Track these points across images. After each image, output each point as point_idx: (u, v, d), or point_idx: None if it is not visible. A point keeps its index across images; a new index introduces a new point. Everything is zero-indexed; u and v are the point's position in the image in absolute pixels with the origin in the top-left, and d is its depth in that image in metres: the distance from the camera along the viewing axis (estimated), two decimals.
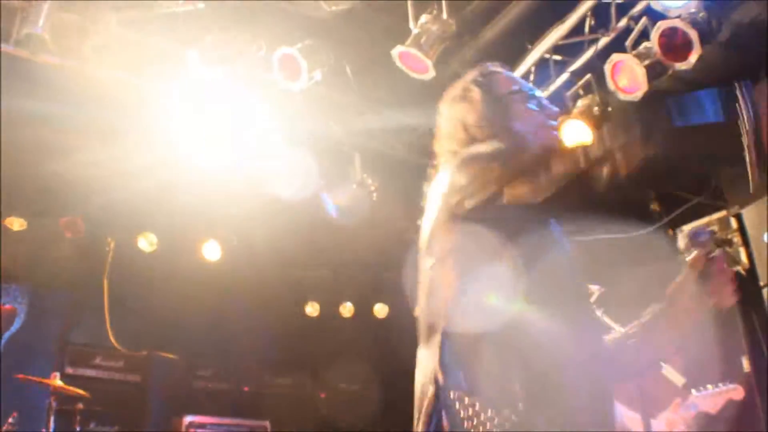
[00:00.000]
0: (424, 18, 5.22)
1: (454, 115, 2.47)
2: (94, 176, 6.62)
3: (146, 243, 7.32)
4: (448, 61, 5.60)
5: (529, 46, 5.65)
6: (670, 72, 4.90)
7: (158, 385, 7.20)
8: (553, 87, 5.66)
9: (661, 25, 4.72)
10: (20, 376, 5.73)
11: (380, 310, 8.51)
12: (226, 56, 5.31)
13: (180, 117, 5.91)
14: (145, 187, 6.83)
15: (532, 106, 2.40)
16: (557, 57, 5.61)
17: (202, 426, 6.78)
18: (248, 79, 5.92)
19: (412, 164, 6.74)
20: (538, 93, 2.46)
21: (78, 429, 5.58)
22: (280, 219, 7.48)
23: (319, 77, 5.56)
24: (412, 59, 5.30)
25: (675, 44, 4.67)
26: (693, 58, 4.63)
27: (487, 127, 2.33)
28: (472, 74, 2.55)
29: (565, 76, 5.58)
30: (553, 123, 2.37)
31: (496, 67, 2.54)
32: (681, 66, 4.72)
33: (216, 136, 6.02)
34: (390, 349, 8.19)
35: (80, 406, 5.73)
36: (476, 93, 2.43)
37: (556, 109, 2.42)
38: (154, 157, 6.19)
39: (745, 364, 5.60)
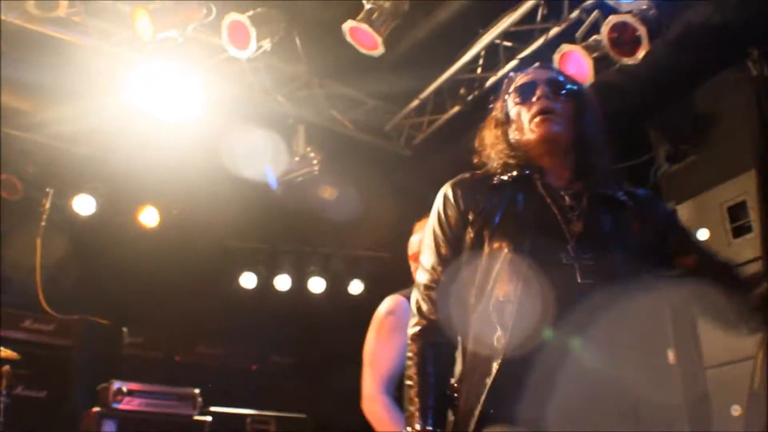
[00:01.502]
0: None
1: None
2: (33, 140, 6.49)
3: (83, 206, 7.17)
4: (400, 40, 5.59)
5: (481, 31, 5.67)
6: (617, 66, 4.97)
7: (89, 351, 7.10)
8: (501, 73, 5.70)
9: (612, 20, 4.77)
10: None
11: (316, 284, 8.50)
12: (173, 20, 5.21)
13: (123, 81, 5.80)
14: (85, 151, 6.71)
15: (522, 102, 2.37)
16: (507, 43, 5.64)
17: (129, 393, 6.69)
18: (195, 45, 5.84)
19: (357, 140, 6.74)
20: (523, 81, 2.42)
21: (4, 392, 5.46)
22: (221, 189, 7.40)
23: (268, 47, 5.50)
24: (363, 35, 5.27)
25: (624, 39, 4.73)
26: (641, 54, 4.69)
27: None
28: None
29: (513, 63, 5.61)
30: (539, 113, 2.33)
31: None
32: (628, 61, 4.79)
33: (159, 102, 5.92)
34: (325, 323, 8.23)
35: (7, 368, 5.61)
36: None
37: (540, 93, 2.34)
38: (96, 121, 6.07)
39: (671, 356, 5.73)
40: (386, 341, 3.42)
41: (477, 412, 2.03)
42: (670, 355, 5.73)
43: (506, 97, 2.42)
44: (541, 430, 1.97)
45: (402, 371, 3.38)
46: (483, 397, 2.03)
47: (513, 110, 2.36)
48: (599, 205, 2.26)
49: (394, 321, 3.45)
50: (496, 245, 2.16)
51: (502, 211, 2.21)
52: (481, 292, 2.14)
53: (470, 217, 2.25)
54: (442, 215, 2.31)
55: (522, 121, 2.32)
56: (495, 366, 2.02)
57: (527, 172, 2.28)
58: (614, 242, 2.20)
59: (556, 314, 2.04)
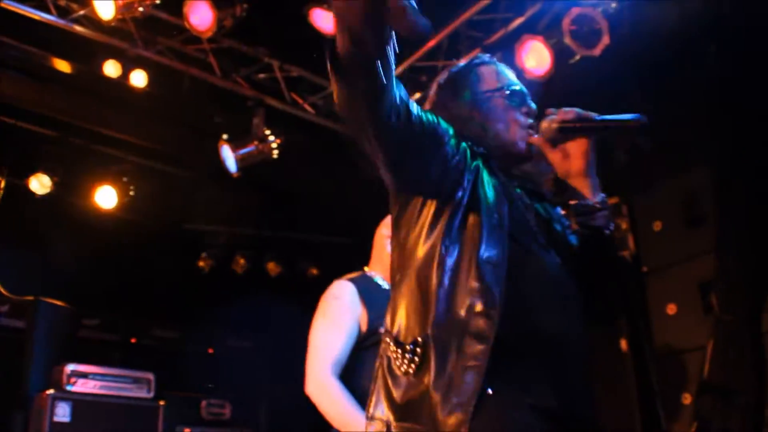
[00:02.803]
0: None
1: None
2: None
3: (38, 184, 7.05)
4: None
5: (445, 19, 5.67)
6: (577, 57, 5.01)
7: (43, 333, 7.00)
8: (462, 61, 5.69)
9: (573, 12, 4.82)
10: None
11: (273, 268, 8.48)
12: None
13: (80, 57, 5.72)
14: (41, 130, 6.60)
15: (512, 103, 2.34)
16: (471, 32, 5.65)
17: (84, 375, 6.61)
18: (156, 24, 5.78)
19: (316, 125, 6.72)
20: (519, 88, 2.38)
21: None
22: (178, 170, 7.35)
23: (229, 27, 5.46)
24: (325, 19, 5.25)
25: (585, 32, 4.78)
26: (600, 47, 4.75)
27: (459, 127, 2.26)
28: (443, 74, 2.49)
29: (475, 52, 5.62)
30: (530, 121, 2.32)
31: (484, 59, 2.47)
32: (588, 53, 4.84)
33: (117, 81, 5.85)
34: (281, 306, 8.21)
35: None
36: (436, 95, 2.41)
37: (534, 106, 2.36)
38: (54, 100, 5.97)
39: (623, 345, 5.82)
40: (333, 325, 3.42)
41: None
42: (623, 344, 5.83)
43: (480, 83, 2.39)
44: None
45: (348, 356, 3.41)
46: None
47: (499, 107, 2.34)
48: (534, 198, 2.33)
49: (339, 305, 3.47)
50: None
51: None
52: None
53: None
54: None
55: (508, 120, 2.31)
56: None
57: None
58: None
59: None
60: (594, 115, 2.20)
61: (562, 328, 2.06)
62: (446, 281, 2.00)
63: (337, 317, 3.44)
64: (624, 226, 5.83)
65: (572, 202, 2.25)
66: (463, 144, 2.17)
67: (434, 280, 2.02)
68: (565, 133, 2.22)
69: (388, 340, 2.09)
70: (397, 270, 2.18)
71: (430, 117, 2.11)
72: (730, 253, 4.81)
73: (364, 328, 3.41)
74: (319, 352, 3.39)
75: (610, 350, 5.85)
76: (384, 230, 3.72)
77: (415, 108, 2.03)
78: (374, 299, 3.47)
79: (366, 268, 3.72)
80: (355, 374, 3.38)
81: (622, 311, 5.70)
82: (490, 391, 1.89)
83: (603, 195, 2.25)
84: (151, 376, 6.93)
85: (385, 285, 3.58)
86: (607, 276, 2.30)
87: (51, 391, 6.37)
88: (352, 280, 3.59)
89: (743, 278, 4.74)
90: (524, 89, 2.38)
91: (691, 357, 5.10)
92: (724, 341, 4.75)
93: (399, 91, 1.97)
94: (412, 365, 1.97)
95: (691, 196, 5.35)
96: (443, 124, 2.13)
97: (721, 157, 4.99)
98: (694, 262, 5.27)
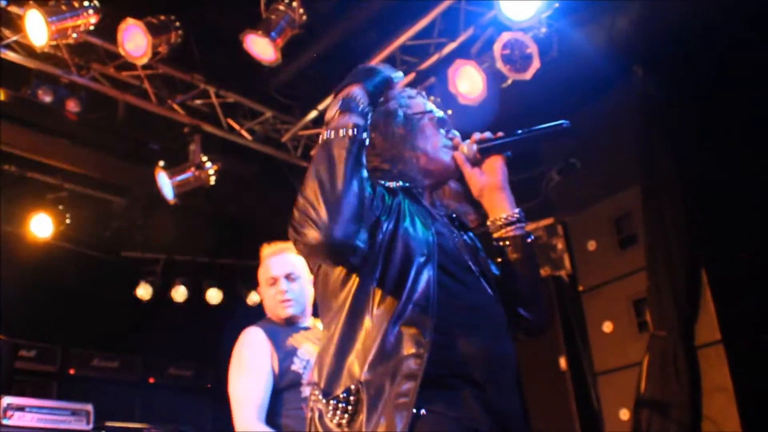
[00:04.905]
0: (275, 5, 5.20)
1: None
2: None
3: None
4: (298, 53, 5.61)
5: (379, 44, 5.72)
6: (510, 82, 5.10)
7: None
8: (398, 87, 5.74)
9: (504, 37, 4.90)
10: None
11: (213, 295, 8.40)
12: (66, 25, 5.09)
13: (12, 83, 5.64)
14: None
15: (438, 126, 2.39)
16: (405, 57, 5.72)
17: (20, 408, 6.46)
18: (88, 50, 5.73)
19: (252, 151, 6.71)
20: (441, 115, 2.44)
21: None
22: (115, 198, 7.27)
23: (164, 53, 5.44)
24: (260, 44, 5.27)
25: (516, 56, 4.86)
26: (531, 71, 4.83)
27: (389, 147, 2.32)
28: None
29: (411, 77, 5.68)
30: (452, 146, 2.37)
31: (410, 92, 2.49)
32: (519, 77, 4.92)
33: (51, 108, 5.78)
34: (222, 335, 8.13)
35: None
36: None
37: (457, 134, 2.41)
38: None
39: (562, 363, 5.89)
40: (249, 373, 3.47)
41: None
42: (562, 362, 5.90)
43: (410, 107, 2.41)
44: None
45: (266, 400, 3.46)
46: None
47: (427, 128, 2.37)
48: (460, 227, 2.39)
49: (251, 352, 3.52)
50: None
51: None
52: None
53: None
54: None
55: (435, 141, 2.36)
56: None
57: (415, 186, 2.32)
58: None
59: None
60: (518, 131, 2.27)
61: (491, 352, 2.08)
62: (377, 327, 2.01)
63: (251, 364, 3.48)
64: (560, 245, 5.92)
65: (491, 218, 2.33)
66: (379, 188, 2.18)
67: (364, 327, 2.03)
68: (483, 153, 2.31)
69: (316, 392, 2.08)
70: (324, 315, 2.18)
71: (374, 205, 2.11)
72: (661, 271, 4.91)
73: (276, 369, 3.45)
74: (243, 402, 3.42)
75: (549, 369, 5.91)
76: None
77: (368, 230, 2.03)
78: (280, 340, 3.53)
79: None
80: (278, 416, 3.42)
81: (552, 325, 5.79)
82: (423, 411, 1.92)
83: (519, 209, 2.33)
84: (89, 407, 6.79)
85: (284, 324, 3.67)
86: (532, 283, 2.35)
87: None
88: (259, 324, 3.65)
89: (675, 294, 4.84)
90: (445, 117, 2.45)
91: (628, 373, 5.18)
92: (659, 356, 4.83)
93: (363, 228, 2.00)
94: (345, 415, 1.97)
95: (623, 216, 5.47)
96: (369, 188, 2.12)
97: (649, 177, 5.10)
98: (627, 280, 5.37)
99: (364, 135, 2.06)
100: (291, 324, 3.64)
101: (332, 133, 2.04)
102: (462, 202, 2.43)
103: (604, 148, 5.51)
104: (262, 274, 3.77)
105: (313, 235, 1.92)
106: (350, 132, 2.03)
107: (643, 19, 4.81)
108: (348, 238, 1.94)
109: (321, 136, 2.07)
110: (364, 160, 2.04)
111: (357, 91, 2.14)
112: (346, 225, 1.93)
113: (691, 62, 4.97)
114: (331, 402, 2.00)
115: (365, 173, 2.03)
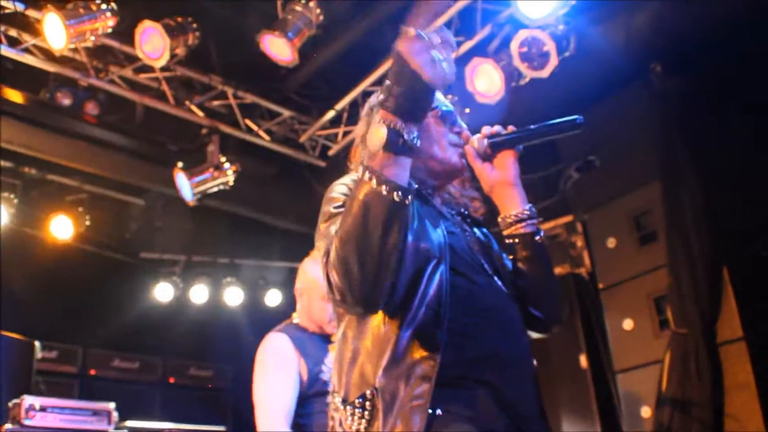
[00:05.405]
0: (292, 5, 5.20)
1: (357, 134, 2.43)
2: None
3: None
4: (315, 53, 5.61)
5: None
6: (527, 79, 5.08)
7: (1, 366, 6.89)
8: None
9: (522, 34, 4.88)
10: None
11: (233, 296, 8.42)
12: (85, 28, 5.11)
13: (31, 86, 5.67)
14: None
15: (443, 122, 2.34)
16: None
17: (42, 408, 6.47)
18: (106, 53, 5.76)
19: (271, 151, 6.73)
20: (447, 108, 2.38)
21: None
22: (134, 200, 7.30)
23: (181, 55, 5.46)
24: (277, 45, 5.27)
25: (533, 54, 4.84)
26: (549, 68, 4.81)
27: None
28: (375, 96, 2.46)
29: None
30: (461, 142, 2.33)
31: None
32: (537, 75, 4.90)
33: (71, 110, 5.82)
34: (242, 337, 8.15)
35: None
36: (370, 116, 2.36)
37: (463, 125, 2.37)
38: (5, 129, 5.90)
39: (583, 361, 5.87)
40: (276, 378, 3.42)
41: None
42: (582, 360, 5.89)
43: None
44: None
45: (292, 407, 3.44)
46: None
47: (431, 126, 2.31)
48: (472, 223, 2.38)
49: (278, 358, 3.47)
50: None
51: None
52: None
53: None
54: None
55: (440, 139, 2.31)
56: None
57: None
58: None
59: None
60: (530, 126, 2.25)
61: (505, 352, 2.08)
62: (390, 331, 2.01)
63: (278, 370, 3.44)
64: (579, 243, 5.90)
65: (502, 215, 2.30)
66: None
67: (378, 331, 2.03)
68: (494, 147, 2.27)
69: (336, 400, 2.09)
70: (339, 321, 2.18)
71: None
72: (682, 268, 4.88)
73: (305, 377, 3.41)
74: (268, 407, 3.38)
75: (570, 367, 5.90)
76: (298, 284, 3.73)
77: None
78: (307, 348, 3.49)
79: (294, 315, 3.72)
80: (303, 424, 3.39)
81: (571, 323, 5.77)
82: (439, 411, 1.92)
83: (530, 204, 2.30)
84: (111, 407, 6.83)
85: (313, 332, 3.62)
86: (542, 281, 2.33)
87: (8, 426, 6.24)
88: (283, 330, 3.60)
89: (696, 292, 4.81)
90: (452, 109, 2.40)
91: (649, 371, 5.16)
92: (681, 354, 4.80)
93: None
94: (363, 421, 1.98)
95: (643, 213, 5.44)
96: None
97: (668, 174, 5.07)
98: (648, 277, 5.35)
99: (409, 199, 1.92)
100: (321, 334, 3.61)
101: (375, 183, 1.89)
102: (467, 188, 2.41)
103: (622, 145, 5.49)
104: (317, 287, 3.60)
105: (348, 300, 1.94)
106: (396, 197, 1.89)
107: (661, 17, 4.78)
108: (379, 298, 1.96)
109: (361, 175, 1.92)
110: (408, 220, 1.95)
111: (405, 128, 1.92)
112: (380, 293, 1.94)
113: (709, 59, 4.94)
114: (348, 408, 2.02)
115: (407, 229, 1.95)
